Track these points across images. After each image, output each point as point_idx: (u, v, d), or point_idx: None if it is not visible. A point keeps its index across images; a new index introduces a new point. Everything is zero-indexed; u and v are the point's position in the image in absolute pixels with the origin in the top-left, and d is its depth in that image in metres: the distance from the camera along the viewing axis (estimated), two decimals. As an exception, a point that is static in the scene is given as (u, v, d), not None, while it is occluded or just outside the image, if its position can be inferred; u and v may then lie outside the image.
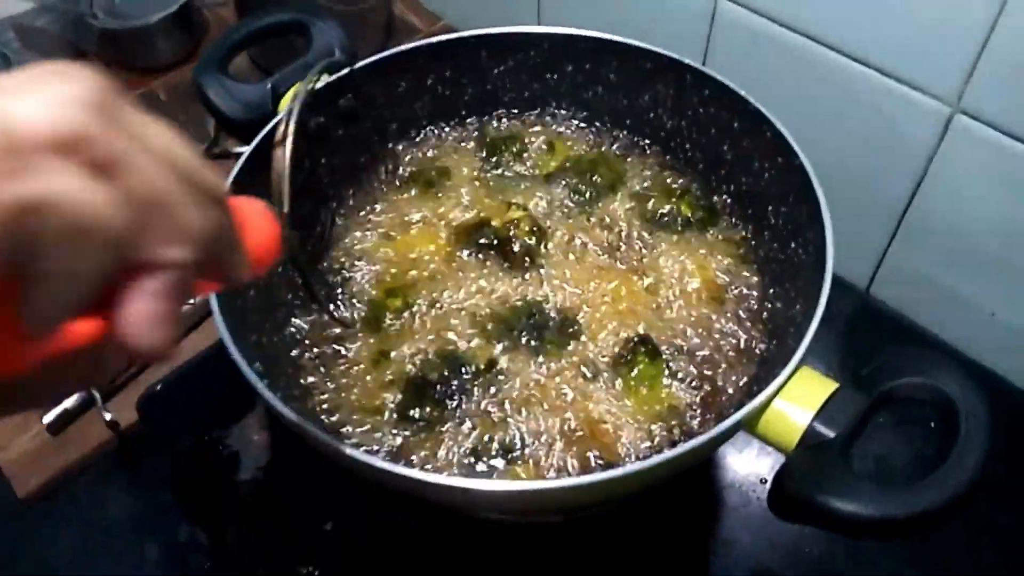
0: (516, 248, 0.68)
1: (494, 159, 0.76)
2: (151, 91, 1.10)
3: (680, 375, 0.61)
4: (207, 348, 0.78)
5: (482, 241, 0.69)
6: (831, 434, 0.48)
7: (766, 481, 0.68)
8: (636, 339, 0.62)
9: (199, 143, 1.00)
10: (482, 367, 0.61)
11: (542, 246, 0.69)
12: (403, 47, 0.73)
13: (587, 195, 0.73)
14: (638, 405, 0.59)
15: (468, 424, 0.59)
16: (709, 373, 0.62)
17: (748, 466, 0.69)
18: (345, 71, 0.71)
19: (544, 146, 0.77)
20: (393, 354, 0.63)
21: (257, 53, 1.09)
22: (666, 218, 0.70)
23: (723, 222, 0.71)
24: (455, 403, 0.60)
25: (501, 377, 0.61)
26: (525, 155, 0.76)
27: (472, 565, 0.65)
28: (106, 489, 0.74)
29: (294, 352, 0.64)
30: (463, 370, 0.61)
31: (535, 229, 0.69)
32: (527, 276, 0.67)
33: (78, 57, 1.14)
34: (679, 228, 0.70)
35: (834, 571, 0.64)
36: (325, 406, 0.61)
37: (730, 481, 0.68)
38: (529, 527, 0.66)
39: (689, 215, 0.70)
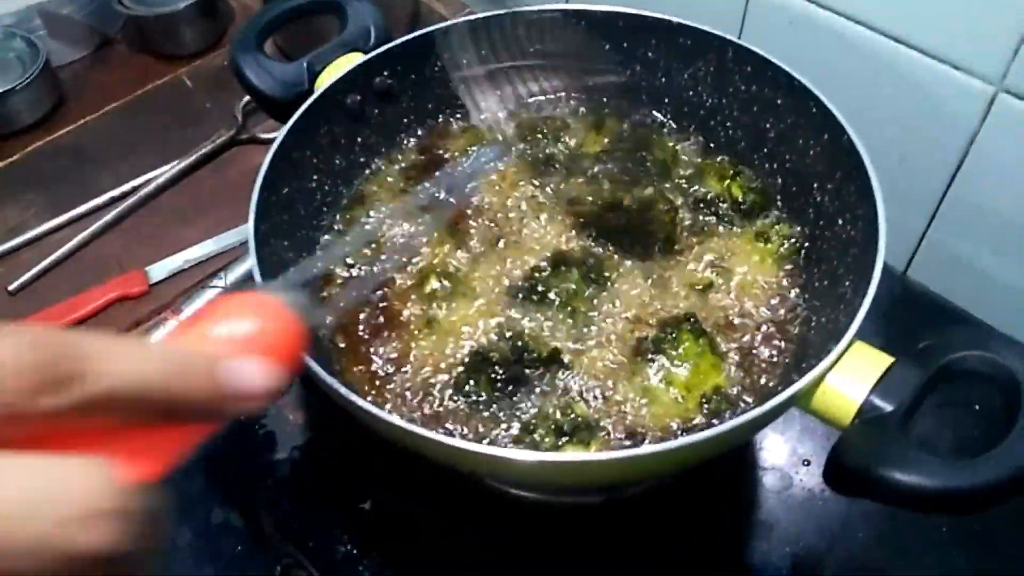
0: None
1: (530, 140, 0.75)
2: (177, 78, 1.10)
3: (726, 353, 0.61)
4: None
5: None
6: (889, 407, 0.47)
7: (809, 463, 0.67)
8: (681, 317, 0.61)
9: (227, 130, 1.00)
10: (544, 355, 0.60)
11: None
12: (439, 25, 0.72)
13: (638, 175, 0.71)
14: (684, 382, 0.59)
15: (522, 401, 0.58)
16: (756, 352, 0.61)
17: (790, 448, 0.68)
18: (381, 49, 0.70)
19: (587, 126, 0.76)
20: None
21: (280, 39, 1.09)
22: (718, 200, 0.69)
23: (774, 206, 0.70)
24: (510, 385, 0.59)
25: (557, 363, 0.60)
26: (564, 135, 0.75)
27: (509, 546, 0.64)
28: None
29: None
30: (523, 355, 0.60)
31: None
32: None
33: (104, 44, 1.14)
34: (729, 211, 0.69)
35: (878, 555, 0.63)
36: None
37: (771, 464, 0.67)
38: (566, 509, 0.65)
39: (740, 197, 0.69)
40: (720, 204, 0.69)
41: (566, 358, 0.60)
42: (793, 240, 0.66)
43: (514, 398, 0.58)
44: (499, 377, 0.58)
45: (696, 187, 0.70)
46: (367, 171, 0.73)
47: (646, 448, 0.46)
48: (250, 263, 0.55)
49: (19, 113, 1.02)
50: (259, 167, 0.61)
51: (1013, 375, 0.46)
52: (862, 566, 0.62)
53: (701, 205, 0.69)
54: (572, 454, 0.50)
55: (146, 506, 0.23)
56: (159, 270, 0.88)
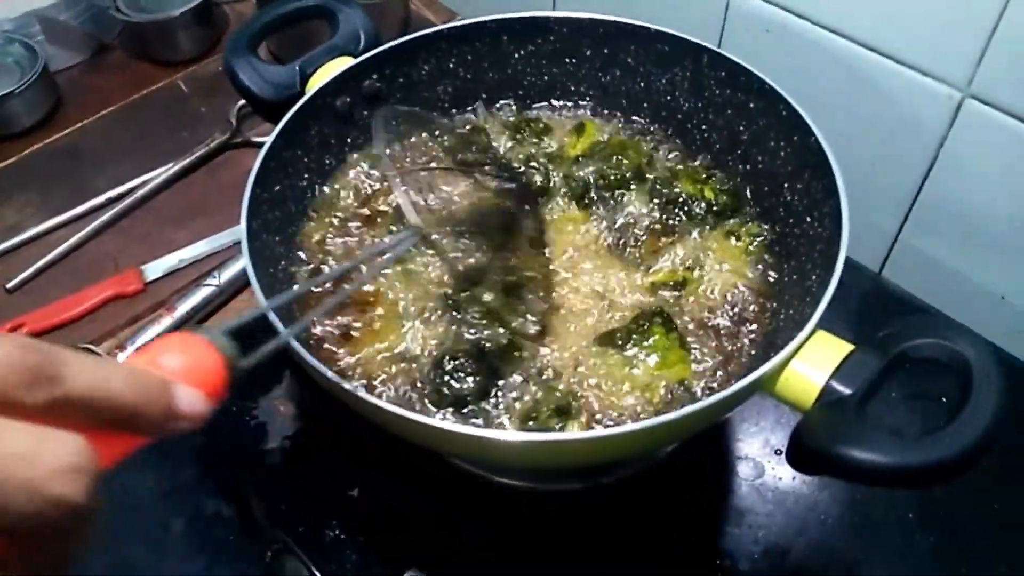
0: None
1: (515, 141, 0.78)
2: (173, 83, 1.12)
3: (695, 346, 0.63)
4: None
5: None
6: (848, 391, 0.49)
7: (780, 452, 0.69)
8: (651, 311, 0.63)
9: (221, 134, 1.02)
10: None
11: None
12: (426, 31, 0.75)
13: (614, 179, 0.74)
14: (653, 374, 0.61)
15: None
16: (724, 344, 0.63)
17: (763, 439, 0.70)
18: (370, 54, 0.73)
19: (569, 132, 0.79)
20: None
21: (275, 44, 1.12)
22: (691, 201, 0.72)
23: (745, 205, 0.72)
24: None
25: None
26: (546, 139, 0.78)
27: (492, 531, 0.66)
28: (131, 465, 0.75)
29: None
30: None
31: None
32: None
33: (101, 50, 1.17)
34: (701, 212, 0.71)
35: (845, 539, 0.66)
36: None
37: (745, 454, 0.70)
38: (549, 495, 0.68)
39: (712, 199, 0.71)
40: (692, 205, 0.71)
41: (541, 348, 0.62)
42: (762, 238, 0.69)
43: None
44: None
45: (669, 189, 0.72)
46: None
47: (621, 428, 0.48)
48: (243, 259, 0.58)
49: (17, 116, 1.04)
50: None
51: (966, 360, 0.49)
52: (830, 549, 0.65)
53: (673, 207, 0.72)
54: (548, 434, 0.52)
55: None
56: (154, 269, 0.90)
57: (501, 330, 0.62)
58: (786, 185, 0.68)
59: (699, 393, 0.60)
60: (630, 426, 0.50)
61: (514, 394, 0.60)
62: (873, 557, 0.65)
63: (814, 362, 0.51)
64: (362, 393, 0.50)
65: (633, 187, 0.72)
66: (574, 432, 0.56)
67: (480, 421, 0.59)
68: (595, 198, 0.72)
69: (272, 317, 0.50)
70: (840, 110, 0.80)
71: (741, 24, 0.85)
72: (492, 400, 0.59)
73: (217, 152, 1.02)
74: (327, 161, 0.73)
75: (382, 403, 0.49)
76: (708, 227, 0.70)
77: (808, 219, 0.64)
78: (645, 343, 0.61)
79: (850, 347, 0.52)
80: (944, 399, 0.69)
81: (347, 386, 0.50)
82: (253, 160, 0.64)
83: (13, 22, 1.08)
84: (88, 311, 0.87)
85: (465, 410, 0.59)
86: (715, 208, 0.71)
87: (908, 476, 0.45)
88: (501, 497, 0.67)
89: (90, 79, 1.14)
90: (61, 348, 0.29)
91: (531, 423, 0.58)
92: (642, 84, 0.77)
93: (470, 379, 0.59)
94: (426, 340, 0.63)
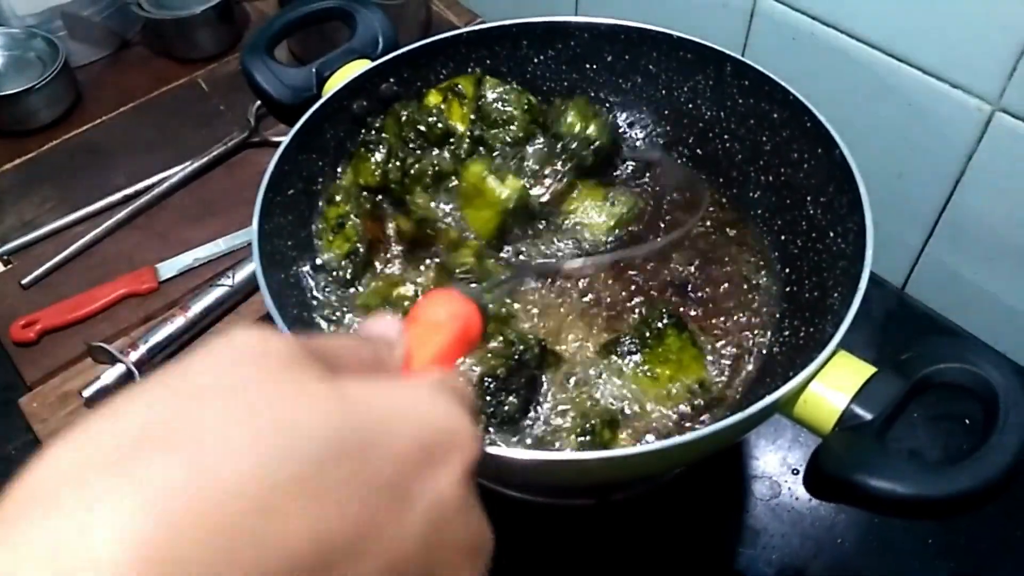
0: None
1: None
2: (192, 81, 1.12)
3: (711, 358, 0.62)
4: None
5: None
6: (868, 416, 0.48)
7: (798, 472, 0.68)
8: (663, 311, 0.62)
9: (240, 133, 1.02)
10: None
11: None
12: (446, 34, 0.74)
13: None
14: (666, 379, 0.60)
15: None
16: (741, 362, 0.62)
17: (780, 458, 0.69)
18: (388, 57, 0.72)
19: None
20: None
21: (295, 45, 1.11)
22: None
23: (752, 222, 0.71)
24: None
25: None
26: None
27: (505, 545, 0.65)
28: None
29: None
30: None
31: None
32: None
33: (122, 47, 1.17)
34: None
35: (861, 563, 0.64)
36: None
37: (761, 472, 0.68)
38: (561, 511, 0.67)
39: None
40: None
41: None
42: (788, 252, 0.67)
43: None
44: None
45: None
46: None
47: (630, 449, 0.48)
48: (253, 261, 0.57)
49: (38, 111, 1.04)
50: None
51: (991, 386, 0.47)
52: (846, 572, 0.63)
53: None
54: (563, 453, 0.51)
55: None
56: (168, 268, 0.90)
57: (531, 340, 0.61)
58: (808, 198, 0.66)
59: (715, 391, 0.59)
60: (640, 448, 0.49)
61: (554, 408, 0.59)
62: (889, 583, 0.63)
63: (834, 385, 0.50)
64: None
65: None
66: (587, 452, 0.55)
67: (527, 439, 0.58)
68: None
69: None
70: (866, 121, 0.79)
71: (766, 32, 0.83)
72: (533, 415, 0.59)
73: (235, 151, 1.01)
74: (342, 165, 0.72)
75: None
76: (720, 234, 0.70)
77: (831, 234, 0.63)
78: (659, 348, 0.60)
79: (872, 370, 0.50)
80: (967, 420, 0.68)
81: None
82: (270, 160, 0.64)
83: (36, 17, 1.08)
84: (102, 308, 0.87)
85: (507, 426, 0.58)
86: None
87: (930, 507, 0.44)
88: (515, 511, 0.66)
89: (110, 75, 1.14)
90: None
91: (586, 437, 0.57)
92: (663, 91, 0.76)
93: (512, 396, 0.58)
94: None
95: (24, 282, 0.89)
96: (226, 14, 1.15)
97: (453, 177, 0.70)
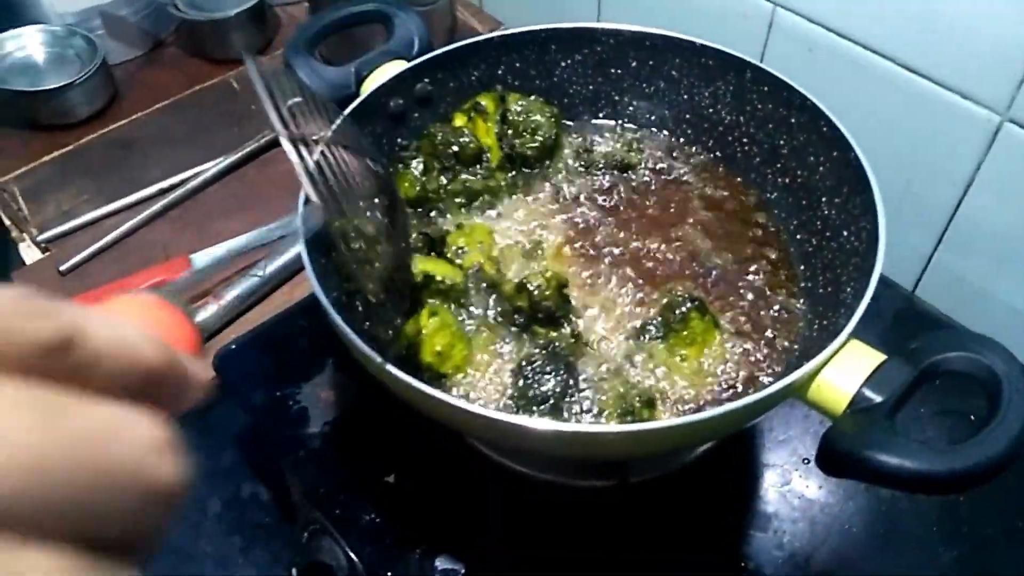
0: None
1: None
2: (225, 81, 1.16)
3: (729, 344, 0.65)
4: (282, 311, 0.83)
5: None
6: (878, 399, 0.51)
7: (808, 461, 0.70)
8: (686, 297, 0.65)
9: (271, 131, 1.05)
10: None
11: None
12: (478, 38, 0.77)
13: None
14: (693, 357, 0.63)
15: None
16: (760, 352, 0.65)
17: (791, 448, 0.72)
18: (423, 58, 0.75)
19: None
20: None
21: (324, 47, 1.15)
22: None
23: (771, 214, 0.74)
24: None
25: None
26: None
27: (522, 523, 0.68)
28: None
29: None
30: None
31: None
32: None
33: (157, 46, 1.21)
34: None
35: (868, 549, 0.67)
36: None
37: (773, 462, 0.71)
38: (578, 490, 0.70)
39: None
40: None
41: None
42: (804, 251, 0.71)
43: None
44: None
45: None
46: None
47: (653, 424, 0.50)
48: (296, 247, 0.60)
49: (76, 106, 1.08)
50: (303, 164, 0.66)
51: (995, 374, 0.50)
52: (853, 558, 0.66)
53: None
54: (583, 425, 0.54)
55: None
56: (202, 258, 0.93)
57: (565, 330, 0.65)
58: (824, 199, 0.70)
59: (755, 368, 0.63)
60: (660, 423, 0.52)
61: (591, 391, 0.62)
62: (895, 568, 0.66)
63: (847, 370, 0.53)
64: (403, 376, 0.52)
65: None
66: (609, 426, 0.58)
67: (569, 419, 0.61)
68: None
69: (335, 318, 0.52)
70: (878, 129, 0.82)
71: (783, 41, 0.87)
72: (575, 397, 0.62)
73: (266, 148, 1.05)
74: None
75: (426, 388, 0.52)
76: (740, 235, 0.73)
77: (845, 233, 0.66)
78: (684, 331, 0.63)
79: (882, 357, 0.53)
80: (972, 417, 0.70)
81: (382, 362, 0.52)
82: (308, 155, 0.67)
83: (76, 16, 1.12)
84: (137, 296, 0.90)
85: (548, 408, 0.61)
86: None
87: (934, 482, 0.47)
88: (533, 491, 0.69)
89: (146, 73, 1.18)
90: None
91: (629, 417, 0.60)
92: (685, 96, 0.79)
93: (551, 379, 0.61)
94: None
95: (62, 269, 0.92)
96: (259, 17, 1.18)
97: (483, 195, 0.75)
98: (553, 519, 0.67)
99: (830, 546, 0.66)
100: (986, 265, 0.82)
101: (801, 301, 0.69)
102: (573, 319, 0.66)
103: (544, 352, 0.62)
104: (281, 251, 0.92)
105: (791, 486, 0.69)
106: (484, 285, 0.67)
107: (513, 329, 0.65)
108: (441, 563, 0.65)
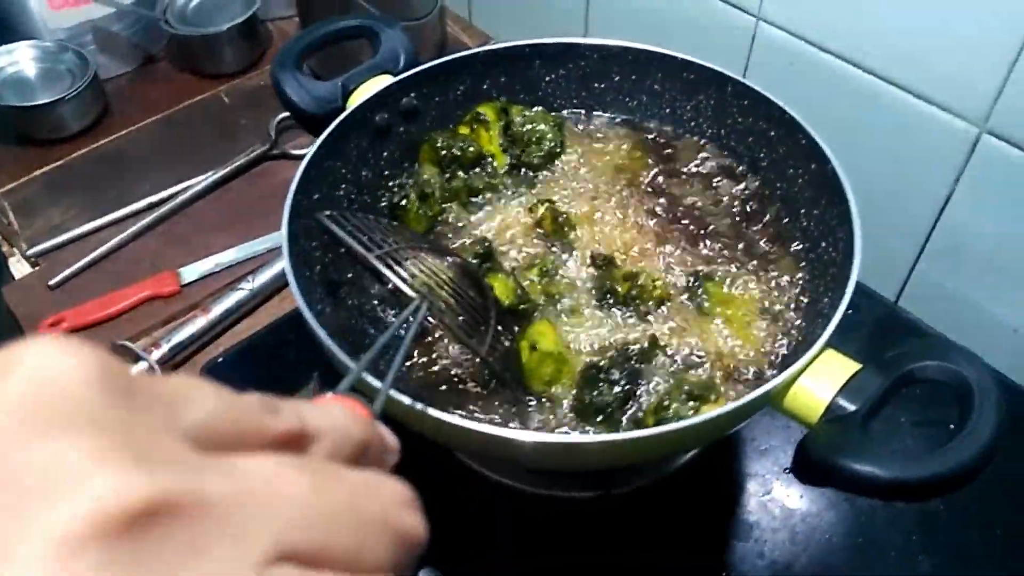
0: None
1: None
2: (216, 95, 1.17)
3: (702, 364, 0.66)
4: (270, 324, 0.84)
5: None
6: (852, 408, 0.52)
7: (789, 471, 0.71)
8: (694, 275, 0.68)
9: (261, 146, 1.06)
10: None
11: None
12: (463, 53, 0.78)
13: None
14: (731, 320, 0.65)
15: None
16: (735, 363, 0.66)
17: (772, 458, 0.72)
18: (409, 73, 0.76)
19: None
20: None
21: (313, 61, 1.16)
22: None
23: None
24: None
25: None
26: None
27: (506, 535, 0.69)
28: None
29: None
30: None
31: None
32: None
33: (148, 61, 1.22)
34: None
35: (847, 557, 0.67)
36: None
37: (754, 471, 0.72)
38: (562, 501, 0.70)
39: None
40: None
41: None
42: (782, 261, 0.71)
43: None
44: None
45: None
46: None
47: (631, 433, 0.51)
48: (282, 262, 0.61)
49: (67, 121, 1.09)
50: (291, 179, 0.67)
51: (967, 381, 0.51)
52: (832, 566, 0.67)
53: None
54: (566, 436, 0.54)
55: None
56: (190, 272, 0.94)
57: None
58: (803, 211, 0.70)
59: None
60: (639, 432, 0.52)
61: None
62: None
63: (822, 379, 0.53)
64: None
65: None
66: (589, 436, 0.58)
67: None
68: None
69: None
70: (860, 142, 0.83)
71: (766, 54, 0.88)
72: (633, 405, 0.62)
73: (256, 162, 1.06)
74: (364, 174, 0.76)
75: (408, 401, 0.52)
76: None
77: (823, 244, 0.67)
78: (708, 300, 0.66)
79: (857, 366, 0.54)
80: (952, 426, 0.71)
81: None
82: (290, 171, 0.68)
83: (67, 31, 1.13)
84: (126, 310, 0.90)
85: (606, 419, 0.61)
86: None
87: (905, 490, 0.47)
88: (517, 503, 0.70)
89: (137, 88, 1.19)
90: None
91: (665, 414, 0.59)
92: (667, 110, 0.80)
93: (616, 387, 0.61)
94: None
95: (51, 283, 0.93)
96: (250, 32, 1.19)
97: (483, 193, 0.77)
98: (537, 531, 0.68)
99: (810, 555, 0.67)
100: (967, 275, 0.83)
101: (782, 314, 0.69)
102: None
103: (612, 360, 0.63)
104: (269, 264, 0.92)
105: (772, 496, 0.70)
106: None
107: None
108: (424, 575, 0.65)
